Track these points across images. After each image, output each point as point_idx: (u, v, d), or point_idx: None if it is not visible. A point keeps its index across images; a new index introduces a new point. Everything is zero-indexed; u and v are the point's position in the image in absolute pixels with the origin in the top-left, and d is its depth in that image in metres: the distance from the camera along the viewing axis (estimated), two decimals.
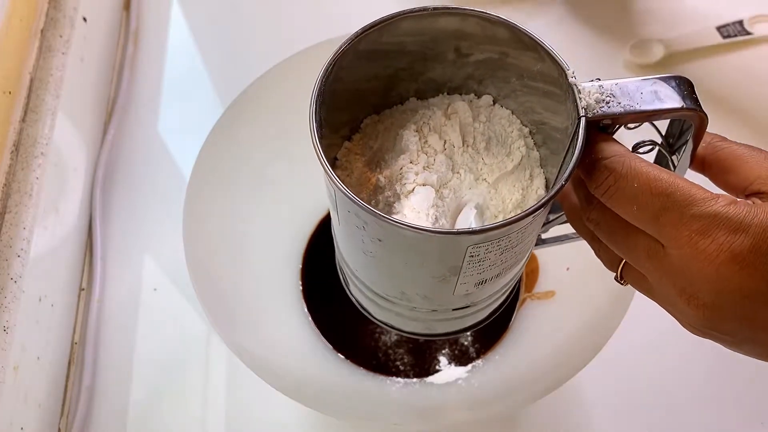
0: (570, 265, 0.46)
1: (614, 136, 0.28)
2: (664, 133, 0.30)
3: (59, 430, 0.46)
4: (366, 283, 0.34)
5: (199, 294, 0.40)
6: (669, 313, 0.28)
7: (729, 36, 0.61)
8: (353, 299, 0.39)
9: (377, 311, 0.37)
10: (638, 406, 0.47)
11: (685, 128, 0.28)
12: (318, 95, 0.28)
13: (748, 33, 0.61)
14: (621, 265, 0.29)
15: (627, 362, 0.47)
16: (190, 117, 0.60)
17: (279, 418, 0.47)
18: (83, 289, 0.52)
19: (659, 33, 0.62)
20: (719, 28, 0.61)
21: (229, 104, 0.45)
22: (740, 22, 0.61)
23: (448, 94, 0.34)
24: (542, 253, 0.48)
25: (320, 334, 0.47)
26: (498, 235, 0.26)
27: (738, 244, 0.23)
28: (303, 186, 0.49)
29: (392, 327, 0.38)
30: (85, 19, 0.57)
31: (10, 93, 0.47)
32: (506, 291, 0.36)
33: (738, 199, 0.24)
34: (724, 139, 0.29)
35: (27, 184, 0.46)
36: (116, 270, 0.53)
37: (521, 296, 0.48)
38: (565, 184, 0.26)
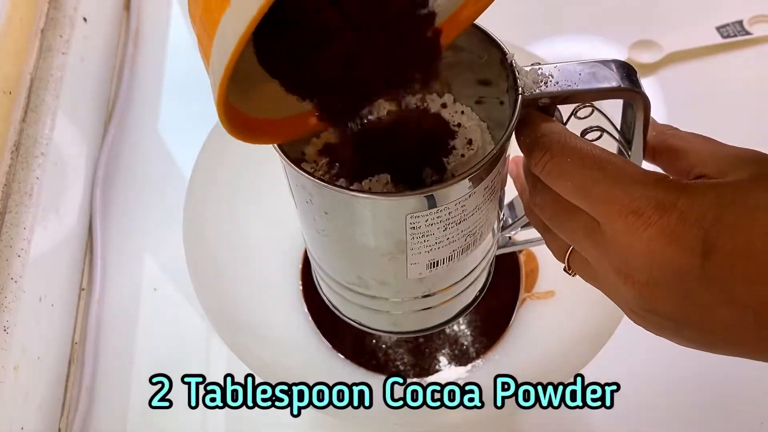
0: None
1: (566, 127, 0.28)
2: (619, 126, 0.30)
3: (59, 430, 0.47)
4: (327, 271, 0.35)
5: (199, 294, 0.40)
6: (612, 299, 0.28)
7: (729, 36, 0.61)
8: (325, 299, 0.39)
9: (345, 307, 0.38)
10: (638, 406, 0.47)
11: (635, 116, 0.29)
12: None
13: (748, 33, 0.61)
14: (568, 254, 0.30)
15: (627, 362, 0.47)
16: (190, 117, 0.60)
17: (279, 418, 0.46)
18: (83, 289, 0.52)
19: (659, 33, 0.62)
20: (719, 28, 0.61)
21: None
22: (740, 22, 0.61)
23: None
24: (542, 253, 0.48)
25: (320, 334, 0.47)
26: (436, 202, 0.27)
27: (666, 218, 0.23)
28: None
29: (360, 324, 0.38)
30: (85, 20, 0.57)
31: (10, 93, 0.47)
32: (471, 284, 0.36)
33: (669, 177, 0.24)
34: (673, 128, 0.29)
35: (27, 184, 0.46)
36: (116, 270, 0.53)
37: (521, 296, 0.48)
38: (494, 151, 0.26)
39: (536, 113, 0.28)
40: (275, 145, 0.27)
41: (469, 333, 0.47)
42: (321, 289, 0.39)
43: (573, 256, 0.30)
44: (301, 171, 0.26)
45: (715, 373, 0.47)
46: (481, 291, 0.38)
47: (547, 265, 0.48)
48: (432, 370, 0.46)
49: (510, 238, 0.38)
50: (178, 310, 0.51)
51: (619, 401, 0.47)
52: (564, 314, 0.44)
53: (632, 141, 0.30)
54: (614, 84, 0.27)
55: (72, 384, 0.48)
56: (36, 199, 0.46)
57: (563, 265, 0.31)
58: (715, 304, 0.23)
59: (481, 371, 0.45)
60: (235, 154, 0.46)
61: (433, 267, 0.31)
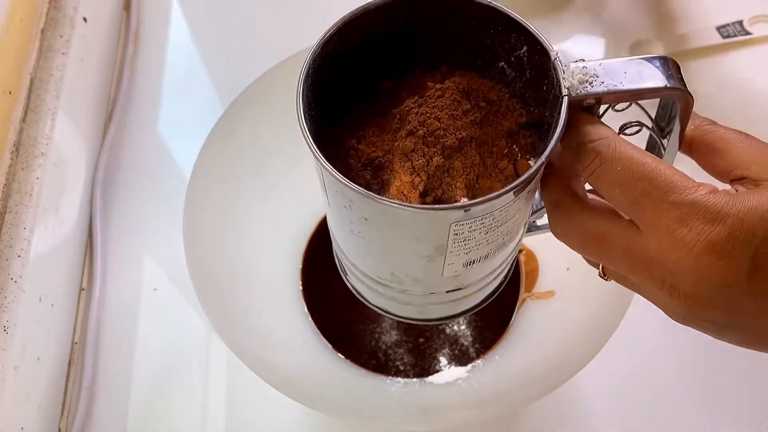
0: (570, 265, 0.46)
1: (603, 120, 0.28)
2: (654, 117, 0.30)
3: (59, 430, 0.46)
4: (358, 266, 0.34)
5: (199, 294, 0.40)
6: (654, 304, 0.28)
7: (729, 36, 0.61)
8: (350, 286, 0.39)
9: (372, 297, 0.37)
10: (638, 406, 0.47)
11: (673, 111, 0.28)
12: (306, 75, 0.28)
13: (748, 33, 0.61)
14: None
15: (627, 362, 0.47)
16: (190, 117, 0.60)
17: (279, 417, 0.47)
18: (83, 289, 0.52)
19: (659, 33, 0.62)
20: (719, 28, 0.61)
21: (229, 104, 0.45)
22: (740, 22, 0.61)
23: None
24: (542, 253, 0.48)
25: (320, 334, 0.47)
26: (480, 212, 0.26)
27: (715, 233, 0.23)
28: (303, 186, 0.49)
29: (387, 312, 0.38)
30: (85, 20, 0.57)
31: (10, 93, 0.47)
32: (500, 274, 0.36)
33: (718, 189, 0.24)
34: (713, 122, 0.29)
35: (27, 184, 0.46)
36: (116, 270, 0.53)
37: (521, 296, 0.48)
38: (545, 161, 0.26)
39: (583, 115, 0.27)
40: (317, 150, 0.27)
41: (469, 333, 0.47)
42: (347, 277, 0.39)
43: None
44: (346, 181, 0.26)
45: (715, 373, 0.47)
46: (506, 277, 0.38)
47: (547, 265, 0.48)
48: (432, 370, 0.46)
49: (535, 222, 0.38)
50: (178, 310, 0.51)
51: (619, 401, 0.47)
52: (564, 314, 0.44)
53: (669, 137, 0.29)
54: (661, 84, 0.26)
55: (72, 384, 0.48)
56: (36, 199, 0.46)
57: (597, 272, 0.31)
58: (759, 312, 0.24)
59: (481, 371, 0.45)
60: (235, 155, 0.46)
61: (470, 265, 0.31)
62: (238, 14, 0.66)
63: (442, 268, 0.30)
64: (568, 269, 0.46)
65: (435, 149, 0.28)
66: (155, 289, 0.52)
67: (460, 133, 0.28)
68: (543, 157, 0.26)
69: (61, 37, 0.54)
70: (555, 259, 0.47)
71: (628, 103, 0.28)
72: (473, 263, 0.31)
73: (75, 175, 0.53)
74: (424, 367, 0.46)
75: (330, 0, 0.66)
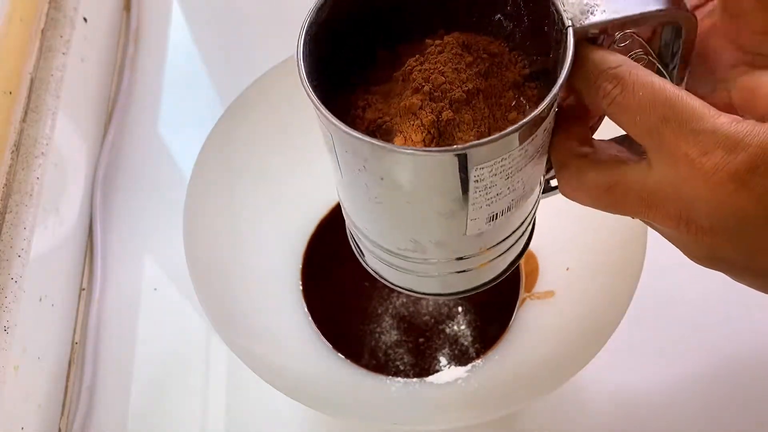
0: (570, 265, 0.46)
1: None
2: (652, 47, 0.29)
3: (59, 430, 0.47)
4: (377, 240, 0.33)
5: (199, 294, 0.40)
6: (674, 245, 0.27)
7: None
8: (369, 269, 0.38)
9: (392, 275, 0.36)
10: (638, 406, 0.47)
11: (676, 38, 0.27)
12: (309, 26, 0.27)
13: None
14: None
15: (627, 362, 0.47)
16: (191, 117, 0.60)
17: (279, 417, 0.47)
18: (83, 289, 0.52)
19: None
20: None
21: (230, 104, 0.45)
22: None
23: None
24: (542, 253, 0.48)
25: (320, 334, 0.47)
26: (500, 150, 0.25)
27: (735, 162, 0.22)
28: (303, 187, 0.49)
29: (410, 291, 0.37)
30: (85, 20, 0.57)
31: (10, 93, 0.47)
32: (522, 235, 0.35)
33: (741, 118, 0.23)
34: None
35: (27, 184, 0.46)
36: (116, 270, 0.53)
37: (521, 296, 0.48)
38: (558, 91, 0.25)
39: (591, 47, 0.26)
40: (327, 112, 0.26)
41: (469, 333, 0.47)
42: (364, 258, 0.37)
43: None
44: (360, 135, 0.25)
45: (716, 373, 0.47)
46: (527, 244, 0.37)
47: (546, 265, 0.48)
48: (432, 370, 0.46)
49: (549, 181, 0.37)
50: (178, 310, 0.51)
51: (619, 402, 0.47)
52: (564, 314, 0.44)
53: (671, 66, 0.28)
54: (663, 6, 0.25)
55: (72, 384, 0.48)
56: (36, 199, 0.46)
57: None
58: None
59: (481, 371, 0.45)
60: (235, 155, 0.46)
61: (493, 220, 0.30)
62: (238, 14, 0.66)
63: (465, 225, 0.29)
64: (568, 269, 0.46)
65: (443, 104, 0.27)
66: (155, 289, 0.52)
67: (466, 86, 0.28)
68: (556, 88, 0.25)
69: (61, 37, 0.54)
70: (555, 259, 0.47)
71: (630, 38, 0.28)
72: (496, 217, 0.30)
73: (75, 175, 0.53)
74: (424, 367, 0.46)
75: None
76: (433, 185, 0.27)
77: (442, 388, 0.45)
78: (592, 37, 0.26)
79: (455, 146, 0.26)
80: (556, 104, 0.27)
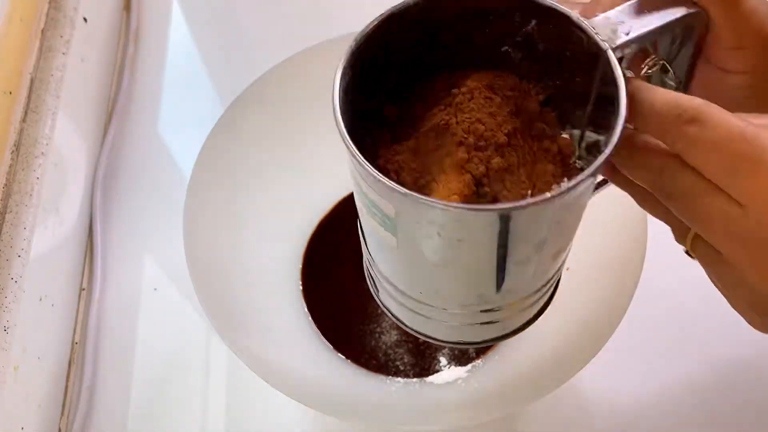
0: (570, 265, 0.46)
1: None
2: (660, 50, 0.28)
3: (59, 430, 0.47)
4: (406, 291, 0.32)
5: (199, 294, 0.40)
6: (732, 299, 0.24)
7: None
8: (384, 309, 0.35)
9: (409, 318, 0.34)
10: (638, 406, 0.47)
11: (685, 38, 0.27)
12: (346, 66, 0.26)
13: None
14: (692, 235, 0.26)
15: (627, 362, 0.47)
16: (191, 117, 0.60)
17: (279, 417, 0.47)
18: (83, 289, 0.52)
19: None
20: None
21: (230, 104, 0.45)
22: None
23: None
24: None
25: (320, 334, 0.47)
26: (573, 197, 0.24)
27: None
28: (303, 187, 0.49)
29: (427, 336, 0.35)
30: (85, 20, 0.57)
31: (10, 93, 0.47)
32: (557, 276, 0.34)
33: None
34: None
35: (27, 184, 0.46)
36: (116, 270, 0.53)
37: None
38: (622, 133, 0.23)
39: (639, 80, 0.25)
40: (397, 186, 0.23)
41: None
42: (378, 295, 0.36)
43: (698, 242, 0.25)
44: (456, 205, 0.23)
45: (715, 374, 0.47)
46: (554, 291, 0.36)
47: None
48: (432, 370, 0.46)
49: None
50: (178, 310, 0.51)
51: (619, 402, 0.47)
52: (564, 314, 0.44)
53: (675, 66, 0.27)
54: (687, 11, 0.24)
55: (72, 384, 0.48)
56: (36, 199, 0.46)
57: (683, 248, 0.27)
58: None
59: (481, 371, 0.45)
60: (235, 155, 0.46)
61: (556, 256, 0.29)
62: (238, 14, 0.66)
63: (534, 267, 0.28)
64: (568, 269, 0.46)
65: (489, 152, 0.26)
66: (155, 289, 0.52)
67: (504, 128, 0.27)
68: (617, 135, 0.23)
69: (61, 37, 0.54)
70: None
71: (644, 49, 0.27)
72: (559, 254, 0.29)
73: (75, 175, 0.53)
74: (424, 367, 0.46)
75: (330, 0, 0.66)
76: (518, 236, 0.26)
77: (442, 388, 0.45)
78: (619, 60, 0.25)
79: (547, 194, 0.24)
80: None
